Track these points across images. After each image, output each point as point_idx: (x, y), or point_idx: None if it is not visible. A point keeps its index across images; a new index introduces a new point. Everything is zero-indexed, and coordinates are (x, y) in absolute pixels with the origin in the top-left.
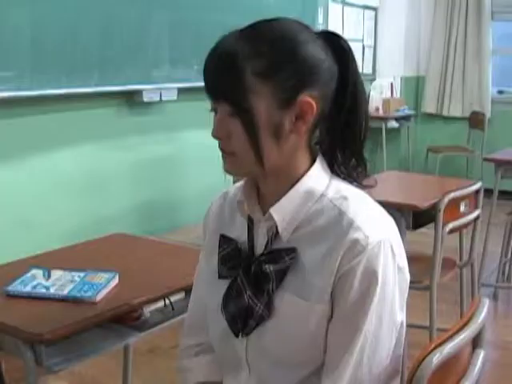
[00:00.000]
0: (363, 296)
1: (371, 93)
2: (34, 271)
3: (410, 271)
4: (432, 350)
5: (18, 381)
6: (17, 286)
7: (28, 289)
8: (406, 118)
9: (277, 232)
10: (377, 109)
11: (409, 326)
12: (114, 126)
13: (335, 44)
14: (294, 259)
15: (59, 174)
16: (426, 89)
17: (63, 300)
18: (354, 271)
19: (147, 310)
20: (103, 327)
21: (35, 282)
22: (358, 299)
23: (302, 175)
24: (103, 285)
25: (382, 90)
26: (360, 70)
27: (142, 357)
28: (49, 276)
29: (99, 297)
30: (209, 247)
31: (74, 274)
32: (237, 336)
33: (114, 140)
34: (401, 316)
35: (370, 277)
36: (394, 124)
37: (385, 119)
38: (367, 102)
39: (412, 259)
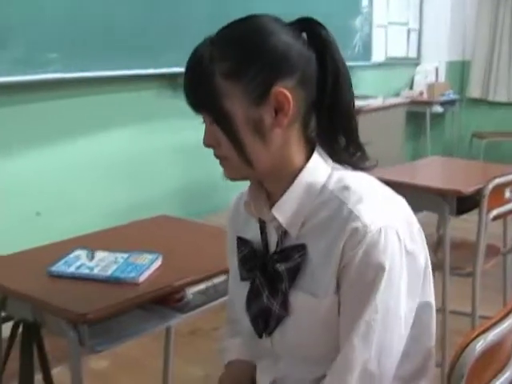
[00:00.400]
0: (365, 285)
1: (415, 77)
2: (77, 252)
3: (454, 258)
4: (475, 337)
5: (60, 360)
6: (60, 267)
7: (71, 269)
8: (451, 102)
9: (286, 230)
10: (421, 93)
11: (451, 312)
12: (156, 108)
13: (309, 30)
14: (303, 256)
15: (104, 156)
16: (472, 73)
17: (106, 281)
18: (355, 260)
19: (189, 292)
20: (145, 308)
21: (79, 262)
22: (360, 289)
23: (301, 169)
24: (146, 266)
25: (426, 74)
26: (405, 54)
27: (184, 338)
28: (92, 257)
29: (142, 278)
30: (230, 248)
31: (117, 255)
32: (260, 337)
33: (157, 122)
34: (410, 303)
35: (372, 266)
36: (438, 109)
37: (429, 104)
38: (351, 85)
39: (455, 246)
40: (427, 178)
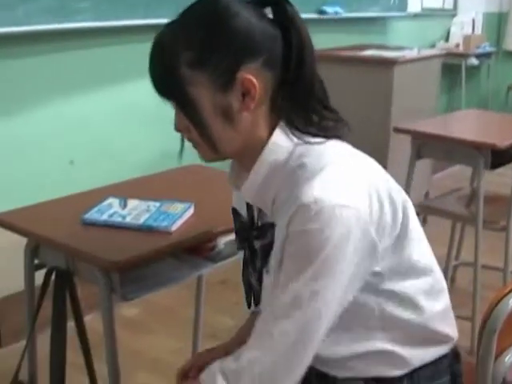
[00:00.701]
0: (300, 261)
1: (451, 29)
2: (110, 200)
3: (487, 212)
4: (508, 293)
5: (92, 307)
6: (93, 215)
7: (104, 217)
8: (487, 55)
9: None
10: (457, 45)
11: (483, 267)
12: None
13: (274, 6)
14: (273, 235)
15: (138, 105)
16: (509, 25)
17: (138, 229)
18: (294, 238)
19: (221, 242)
20: (177, 257)
21: (111, 210)
22: (296, 263)
23: (264, 146)
24: (179, 215)
25: (462, 25)
26: (441, 5)
27: (214, 288)
28: (125, 205)
29: (174, 227)
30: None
31: (149, 203)
32: (249, 307)
33: None
34: (350, 289)
35: (310, 246)
36: (474, 61)
37: (465, 56)
38: (315, 59)
39: (488, 200)
40: (462, 131)
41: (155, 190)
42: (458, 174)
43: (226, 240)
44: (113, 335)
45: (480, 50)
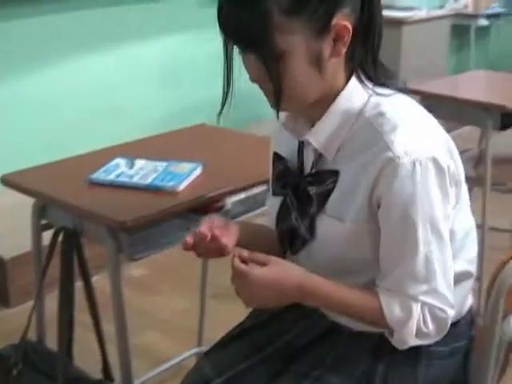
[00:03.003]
0: (406, 221)
1: None
2: (117, 160)
3: (495, 173)
4: None
5: (99, 267)
6: (100, 175)
7: (111, 177)
8: (497, 16)
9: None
10: (466, 6)
11: (490, 228)
12: (197, 16)
13: None
14: (335, 182)
15: (144, 65)
16: None
17: (146, 189)
18: (391, 195)
19: (229, 201)
20: (185, 217)
21: (118, 170)
22: (403, 226)
23: (339, 93)
24: (186, 175)
25: None
26: None
27: None
28: (132, 165)
29: (181, 187)
30: (270, 165)
31: (157, 163)
32: (284, 253)
33: (198, 31)
34: (446, 224)
35: (408, 199)
36: (483, 22)
37: (474, 17)
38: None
39: (496, 161)
40: (471, 92)
41: (163, 149)
42: (467, 135)
43: (234, 200)
44: (120, 295)
45: (489, 11)
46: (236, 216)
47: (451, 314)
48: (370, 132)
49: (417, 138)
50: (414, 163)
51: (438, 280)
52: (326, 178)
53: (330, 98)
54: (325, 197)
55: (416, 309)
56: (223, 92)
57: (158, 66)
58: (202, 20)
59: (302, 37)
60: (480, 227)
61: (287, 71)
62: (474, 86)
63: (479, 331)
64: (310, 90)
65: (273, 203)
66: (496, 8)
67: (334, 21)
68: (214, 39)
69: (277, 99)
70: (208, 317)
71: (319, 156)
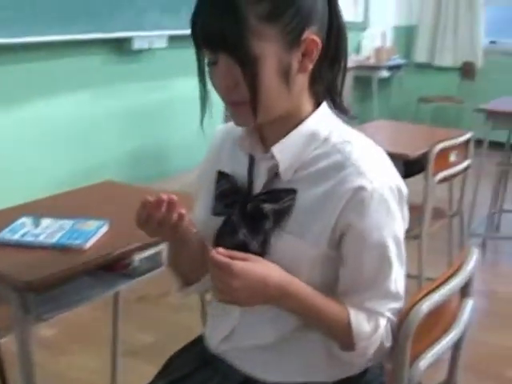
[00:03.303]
0: (377, 241)
1: (362, 42)
2: (23, 219)
3: None
4: (421, 298)
5: (7, 329)
6: (5, 235)
7: (16, 237)
8: (398, 67)
9: (277, 172)
10: (368, 58)
11: None
12: (102, 74)
13: None
14: (293, 200)
15: (49, 122)
16: (418, 38)
17: (53, 248)
18: (362, 218)
19: (137, 258)
20: (93, 275)
21: (24, 230)
22: (373, 244)
23: (306, 118)
24: (93, 232)
25: (373, 38)
26: (352, 19)
27: (132, 305)
28: (38, 224)
29: (89, 244)
30: (204, 179)
31: (63, 221)
32: None
33: (104, 88)
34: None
35: (379, 227)
36: (385, 73)
37: (376, 68)
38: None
39: None
40: (374, 142)
41: (69, 207)
42: None
43: (142, 256)
44: (29, 357)
45: (391, 63)
46: (144, 273)
47: None
48: (337, 158)
49: (383, 166)
50: (383, 190)
51: (402, 300)
52: (283, 196)
53: (292, 119)
54: (282, 214)
55: (383, 323)
56: (201, 102)
57: (64, 124)
58: (108, 78)
59: (274, 45)
60: None
61: (259, 77)
62: (378, 135)
63: (389, 376)
64: (277, 102)
65: (209, 224)
66: (397, 59)
67: (305, 35)
68: (118, 97)
69: (253, 102)
70: (120, 375)
71: (274, 175)
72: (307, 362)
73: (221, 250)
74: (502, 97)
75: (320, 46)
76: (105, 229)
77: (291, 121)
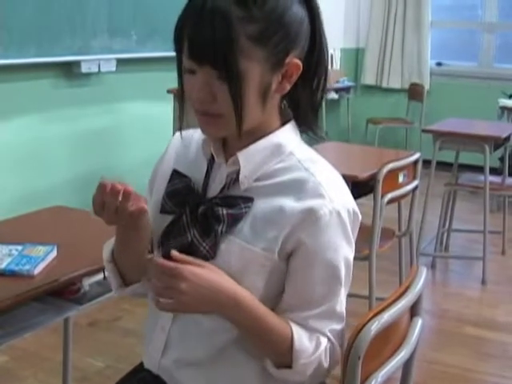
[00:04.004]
0: (329, 261)
1: None
2: None
3: None
4: (370, 319)
5: None
6: None
7: None
8: (346, 89)
9: (236, 179)
10: None
11: (348, 295)
12: (51, 97)
13: (307, 2)
14: (249, 208)
15: (3, 145)
16: (366, 60)
17: (1, 274)
18: (316, 237)
19: (86, 283)
20: (42, 301)
21: None
22: (325, 264)
23: (272, 132)
24: (41, 258)
25: None
26: None
27: (83, 330)
28: None
29: (37, 270)
30: (158, 184)
31: (11, 247)
32: None
33: (52, 112)
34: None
35: (334, 242)
36: (333, 95)
37: None
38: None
39: None
40: None
41: (17, 233)
42: None
43: (91, 281)
44: None
45: (339, 85)
46: (94, 297)
47: (339, 361)
48: (301, 174)
49: (342, 189)
50: (342, 212)
51: (344, 322)
52: (240, 202)
53: (258, 132)
54: (237, 219)
55: (324, 343)
56: (179, 108)
57: (13, 148)
58: (57, 101)
59: (260, 66)
60: None
61: (241, 95)
62: (326, 157)
63: None
64: (250, 118)
65: (155, 221)
66: (345, 81)
67: (288, 58)
68: (68, 121)
69: (238, 119)
70: None
71: (232, 182)
72: (240, 381)
73: (175, 253)
74: (449, 118)
75: (301, 69)
76: (54, 254)
77: (257, 133)
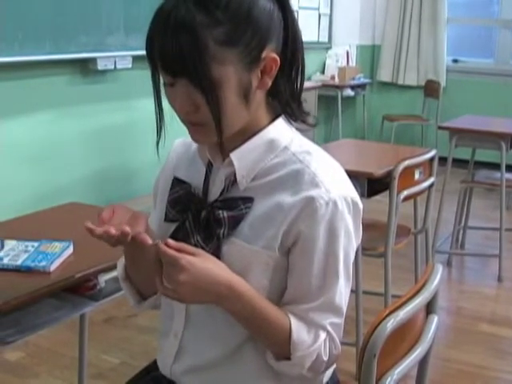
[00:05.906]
0: (328, 251)
1: (327, 61)
2: None
3: (365, 238)
4: (386, 316)
5: None
6: None
7: None
8: (362, 86)
9: (234, 180)
10: (332, 77)
11: (364, 292)
12: (67, 94)
13: None
14: (249, 208)
15: (13, 143)
16: (382, 57)
17: (17, 270)
18: (315, 227)
19: (102, 280)
20: (58, 297)
21: None
22: (323, 254)
23: (263, 128)
24: (57, 254)
25: (337, 58)
26: (316, 39)
27: (98, 327)
28: (2, 246)
29: (53, 266)
30: (161, 192)
31: (27, 243)
32: None
33: (68, 109)
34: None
35: (332, 232)
36: (349, 92)
37: (340, 87)
38: (303, 47)
39: (367, 227)
40: (339, 161)
41: (33, 229)
42: None
43: (107, 277)
44: None
45: (355, 82)
46: (110, 294)
47: (338, 354)
48: (296, 166)
49: (340, 178)
50: (339, 201)
51: (343, 316)
52: (240, 203)
53: (249, 130)
54: (237, 221)
55: (323, 336)
56: (157, 123)
57: (29, 145)
58: (73, 98)
59: (234, 67)
60: (354, 292)
61: (220, 101)
62: (342, 154)
63: None
64: (236, 120)
65: (160, 232)
66: (361, 78)
67: (264, 53)
68: (83, 118)
69: (218, 126)
70: None
71: (231, 183)
72: (253, 378)
73: (170, 241)
74: (465, 115)
75: (279, 62)
76: (70, 250)
77: (248, 132)
